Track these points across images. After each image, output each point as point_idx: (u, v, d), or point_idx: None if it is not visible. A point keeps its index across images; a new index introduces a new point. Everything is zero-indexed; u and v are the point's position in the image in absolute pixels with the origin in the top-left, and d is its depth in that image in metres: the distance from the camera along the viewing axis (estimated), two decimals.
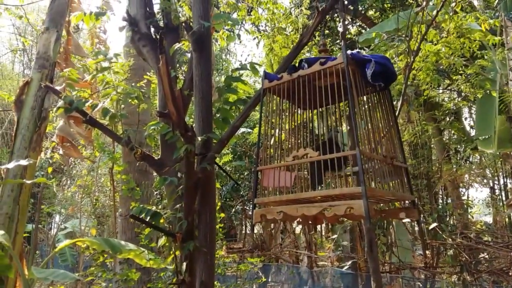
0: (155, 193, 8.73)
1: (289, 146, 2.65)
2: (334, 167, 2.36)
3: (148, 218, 3.09)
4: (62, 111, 3.55)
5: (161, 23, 4.04)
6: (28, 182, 3.78)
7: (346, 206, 2.15)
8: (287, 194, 2.45)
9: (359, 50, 2.51)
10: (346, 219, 2.91)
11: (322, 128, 2.94)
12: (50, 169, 7.90)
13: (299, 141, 2.74)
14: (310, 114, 2.94)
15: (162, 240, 3.36)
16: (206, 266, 3.01)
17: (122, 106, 4.88)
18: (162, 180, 2.97)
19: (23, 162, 3.18)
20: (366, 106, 2.55)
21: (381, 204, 2.93)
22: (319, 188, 2.63)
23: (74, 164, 13.76)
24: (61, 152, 6.57)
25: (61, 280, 3.89)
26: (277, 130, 2.65)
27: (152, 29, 4.02)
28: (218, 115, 3.20)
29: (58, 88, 5.01)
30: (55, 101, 6.87)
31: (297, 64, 2.64)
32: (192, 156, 2.73)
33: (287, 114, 2.79)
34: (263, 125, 2.69)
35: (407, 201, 2.70)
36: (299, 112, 2.84)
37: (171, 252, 3.29)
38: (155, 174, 9.66)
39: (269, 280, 11.39)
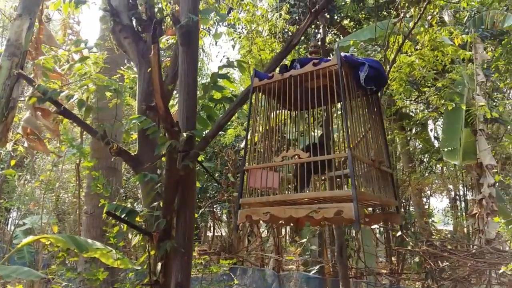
0: (121, 190, 8.49)
1: (277, 146, 2.61)
2: (323, 169, 2.35)
3: (124, 215, 2.97)
4: (31, 102, 3.37)
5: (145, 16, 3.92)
6: None
7: (336, 208, 2.12)
8: (274, 195, 2.40)
9: (352, 54, 2.50)
10: (328, 223, 2.90)
11: (310, 130, 2.91)
12: (13, 162, 7.55)
13: (287, 141, 2.70)
14: (295, 115, 2.91)
15: (136, 239, 3.24)
16: (183, 266, 2.92)
17: (93, 100, 4.71)
18: (142, 176, 2.86)
19: None
20: (353, 109, 2.54)
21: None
22: (306, 190, 2.61)
23: (36, 158, 13.24)
24: (25, 144, 6.29)
25: (26, 278, 3.70)
26: (259, 130, 2.59)
27: (134, 21, 3.89)
28: (202, 112, 3.12)
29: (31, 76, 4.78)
30: (23, 91, 6.56)
31: (288, 64, 2.61)
32: (176, 153, 2.65)
33: (274, 114, 2.74)
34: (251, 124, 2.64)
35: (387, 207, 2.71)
36: (286, 112, 2.81)
37: (146, 252, 3.18)
38: (123, 171, 9.40)
39: (234, 282, 11.30)
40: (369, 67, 2.37)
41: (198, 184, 3.20)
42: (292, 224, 2.92)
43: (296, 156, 2.35)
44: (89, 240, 4.85)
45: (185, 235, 2.95)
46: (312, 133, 2.94)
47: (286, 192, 2.51)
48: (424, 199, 14.26)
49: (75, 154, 6.90)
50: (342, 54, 2.40)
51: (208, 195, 12.09)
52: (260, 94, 2.70)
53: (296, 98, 2.64)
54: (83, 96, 3.47)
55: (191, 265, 3.08)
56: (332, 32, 13.36)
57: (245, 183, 2.53)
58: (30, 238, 4.38)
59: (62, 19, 7.54)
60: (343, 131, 2.58)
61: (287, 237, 14.40)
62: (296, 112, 2.87)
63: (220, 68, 3.15)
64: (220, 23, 3.37)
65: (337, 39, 12.31)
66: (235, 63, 3.12)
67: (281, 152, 2.45)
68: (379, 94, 2.74)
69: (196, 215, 5.03)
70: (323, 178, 2.70)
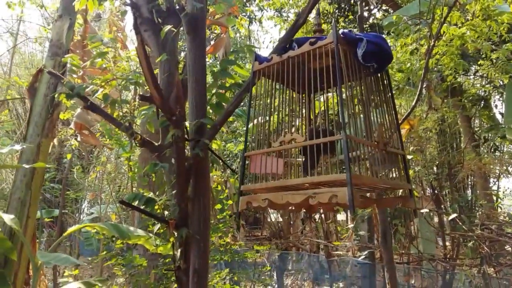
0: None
1: (279, 131, 2.54)
2: (326, 153, 2.26)
3: (142, 204, 3.06)
4: (61, 98, 3.54)
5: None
6: (28, 166, 3.79)
7: (331, 193, 2.04)
8: (273, 180, 2.35)
9: (350, 30, 2.36)
10: (341, 208, 2.79)
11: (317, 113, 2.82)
12: (69, 156, 8.06)
13: (290, 125, 2.63)
14: (304, 98, 2.82)
15: (158, 227, 3.33)
16: (200, 253, 2.96)
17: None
18: (152, 165, 2.92)
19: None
20: (358, 89, 2.40)
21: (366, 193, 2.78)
22: (311, 174, 2.53)
23: (100, 152, 14.05)
24: (79, 139, 6.66)
25: (63, 264, 3.95)
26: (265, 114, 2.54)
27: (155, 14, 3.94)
28: (215, 99, 3.12)
29: (75, 76, 5.05)
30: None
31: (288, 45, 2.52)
32: (181, 142, 2.67)
33: (277, 97, 2.67)
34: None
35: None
36: (291, 95, 2.73)
37: (168, 238, 3.27)
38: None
39: (289, 268, 11.36)
40: (368, 43, 2.23)
41: (214, 172, 3.22)
42: (304, 210, 2.85)
43: (293, 141, 2.28)
44: (131, 228, 5.07)
45: (200, 222, 2.98)
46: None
47: (291, 178, 2.45)
48: (495, 180, 13.28)
49: (115, 144, 7.17)
50: (340, 31, 2.28)
51: None
52: (264, 78, 2.64)
53: (299, 80, 2.56)
54: (106, 90, 3.60)
55: (209, 251, 3.11)
56: (383, 9, 12.79)
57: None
58: (75, 227, 4.66)
59: (108, 17, 7.87)
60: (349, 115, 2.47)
61: (348, 222, 14.18)
62: (302, 94, 2.78)
63: (230, 54, 3.13)
64: (233, 5, 3.31)
65: (388, 16, 11.75)
66: (245, 49, 3.09)
67: (278, 137, 2.38)
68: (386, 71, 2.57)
69: (230, 201, 5.11)
70: (333, 161, 2.60)
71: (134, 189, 8.03)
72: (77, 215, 16.25)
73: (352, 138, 2.13)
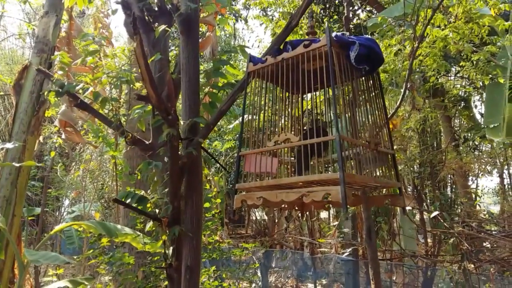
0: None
1: (273, 131, 2.60)
2: (320, 152, 2.32)
3: (134, 202, 3.08)
4: (50, 96, 3.52)
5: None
6: (16, 165, 3.76)
7: (324, 192, 2.10)
8: (268, 179, 2.41)
9: (344, 33, 2.43)
10: (332, 206, 2.87)
11: (310, 113, 2.88)
12: (52, 154, 7.96)
13: (284, 125, 2.69)
14: (297, 99, 2.88)
15: (149, 225, 3.35)
16: (192, 250, 3.00)
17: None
18: (146, 164, 2.94)
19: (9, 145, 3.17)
20: (351, 90, 2.47)
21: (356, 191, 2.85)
22: (305, 173, 2.59)
23: (83, 150, 13.88)
24: (63, 136, 6.58)
25: (52, 262, 3.92)
26: (259, 114, 2.59)
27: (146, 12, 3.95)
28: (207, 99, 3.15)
29: (60, 73, 5.00)
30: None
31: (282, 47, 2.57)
32: (176, 141, 2.70)
33: (271, 98, 2.73)
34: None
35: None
36: (284, 96, 2.79)
37: (159, 236, 3.29)
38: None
39: (273, 265, 11.44)
40: (360, 46, 2.30)
41: (206, 170, 3.26)
42: (296, 208, 2.91)
43: (287, 140, 2.34)
44: (118, 226, 5.06)
45: (193, 220, 3.02)
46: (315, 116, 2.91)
47: (283, 176, 2.52)
48: (474, 179, 13.62)
49: (110, 144, 7.13)
50: (334, 34, 2.34)
51: None
52: (259, 79, 2.69)
53: (293, 81, 2.61)
54: (97, 88, 3.59)
55: (201, 249, 3.15)
56: (367, 9, 12.95)
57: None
58: (61, 225, 4.63)
59: (93, 14, 7.79)
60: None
61: (330, 220, 14.34)
62: (295, 95, 2.84)
63: (222, 54, 3.16)
64: (227, 5, 3.36)
65: (373, 16, 11.91)
66: (238, 49, 3.13)
67: (273, 137, 2.44)
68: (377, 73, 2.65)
69: (219, 200, 5.15)
70: (323, 161, 2.66)
71: (119, 187, 7.98)
72: (57, 213, 16.01)
73: (345, 138, 2.20)
